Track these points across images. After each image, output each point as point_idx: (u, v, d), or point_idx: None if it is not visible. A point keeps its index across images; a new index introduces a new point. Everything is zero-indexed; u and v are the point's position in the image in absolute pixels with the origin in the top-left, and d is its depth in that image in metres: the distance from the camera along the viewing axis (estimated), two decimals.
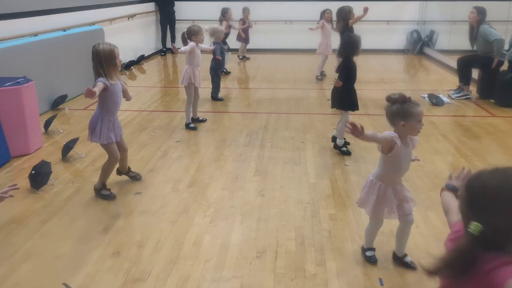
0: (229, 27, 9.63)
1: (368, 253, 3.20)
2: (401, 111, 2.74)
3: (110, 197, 4.09)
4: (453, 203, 1.83)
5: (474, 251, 1.38)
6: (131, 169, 4.50)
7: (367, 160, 4.91)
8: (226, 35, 9.05)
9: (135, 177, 4.47)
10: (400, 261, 3.13)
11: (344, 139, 5.17)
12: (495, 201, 1.37)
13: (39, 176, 4.25)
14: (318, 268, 3.11)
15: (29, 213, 3.85)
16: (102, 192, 4.11)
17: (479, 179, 1.44)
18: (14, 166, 4.78)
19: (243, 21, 10.38)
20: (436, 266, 1.49)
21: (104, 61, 3.76)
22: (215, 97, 7.49)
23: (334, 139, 5.25)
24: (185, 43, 5.95)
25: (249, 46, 11.43)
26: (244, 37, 10.57)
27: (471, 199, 1.44)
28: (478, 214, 1.39)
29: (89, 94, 3.54)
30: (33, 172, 4.25)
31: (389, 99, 2.80)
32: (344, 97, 5.00)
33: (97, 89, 3.67)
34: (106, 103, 3.92)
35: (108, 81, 3.79)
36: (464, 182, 1.52)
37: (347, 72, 4.90)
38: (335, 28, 8.29)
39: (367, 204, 3.04)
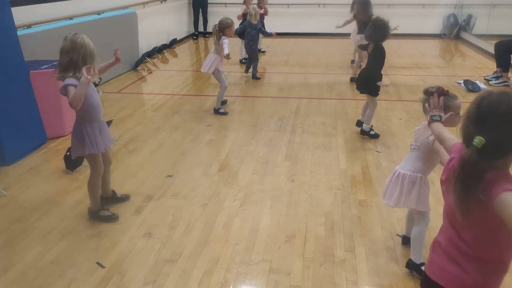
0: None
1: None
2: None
3: (112, 218, 3.54)
4: (444, 131, 2.11)
5: (477, 162, 1.53)
6: (116, 192, 3.84)
7: (399, 146, 4.84)
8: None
9: (123, 199, 3.84)
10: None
11: (371, 126, 5.15)
12: (502, 121, 1.52)
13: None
14: (347, 254, 3.11)
15: (64, 193, 3.95)
16: (101, 214, 3.54)
17: (490, 100, 1.57)
18: (50, 147, 4.90)
19: (260, 7, 9.71)
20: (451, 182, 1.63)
21: (88, 54, 3.23)
22: (255, 75, 7.83)
23: (359, 123, 5.26)
24: (217, 35, 5.89)
25: (282, 30, 11.24)
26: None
27: (481, 116, 1.57)
28: (484, 130, 1.53)
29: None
30: (68, 153, 4.34)
31: (426, 92, 2.64)
32: (375, 83, 4.94)
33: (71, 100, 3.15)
34: (83, 108, 3.27)
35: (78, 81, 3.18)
36: (474, 101, 1.64)
37: (379, 57, 4.89)
38: (358, 17, 7.59)
39: (424, 201, 2.87)
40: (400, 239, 3.26)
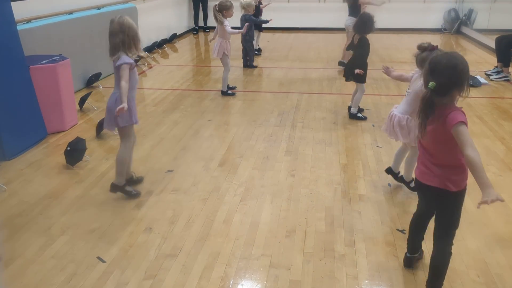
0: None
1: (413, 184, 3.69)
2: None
3: (135, 195, 3.77)
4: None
5: (431, 98, 2.37)
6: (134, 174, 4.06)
7: (399, 142, 4.83)
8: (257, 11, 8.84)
9: (140, 180, 4.04)
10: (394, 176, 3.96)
11: (359, 107, 5.61)
12: (443, 70, 2.33)
13: (74, 153, 4.35)
14: (347, 249, 3.11)
15: (65, 188, 3.96)
16: (127, 189, 3.77)
17: (436, 58, 2.40)
18: (50, 142, 4.90)
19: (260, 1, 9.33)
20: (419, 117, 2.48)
21: (135, 35, 3.53)
22: (252, 65, 8.21)
23: (350, 108, 5.73)
24: (216, 16, 6.36)
25: (282, 25, 11.28)
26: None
27: (431, 69, 2.37)
28: (434, 77, 2.34)
29: (122, 110, 3.37)
30: (68, 148, 4.35)
31: (420, 47, 3.27)
32: (364, 72, 5.43)
33: (125, 82, 3.42)
34: (130, 81, 3.54)
35: (132, 57, 3.52)
36: (427, 61, 2.45)
37: (364, 49, 5.35)
38: (346, 1, 8.07)
39: (411, 137, 3.61)
40: (400, 234, 3.26)
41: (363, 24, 5.28)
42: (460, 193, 2.53)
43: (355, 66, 5.39)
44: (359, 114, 5.55)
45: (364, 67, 5.39)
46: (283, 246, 3.15)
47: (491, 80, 7.29)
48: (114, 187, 3.74)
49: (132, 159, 3.95)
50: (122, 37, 3.46)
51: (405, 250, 3.02)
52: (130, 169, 3.96)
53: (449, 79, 2.33)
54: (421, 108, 2.43)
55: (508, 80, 7.28)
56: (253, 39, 8.13)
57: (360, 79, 5.43)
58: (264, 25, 8.86)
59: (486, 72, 7.52)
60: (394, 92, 6.65)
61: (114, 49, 3.48)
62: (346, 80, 5.67)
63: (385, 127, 3.82)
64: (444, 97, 2.36)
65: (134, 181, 3.98)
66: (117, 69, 3.46)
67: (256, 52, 9.63)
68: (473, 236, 3.25)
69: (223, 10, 6.28)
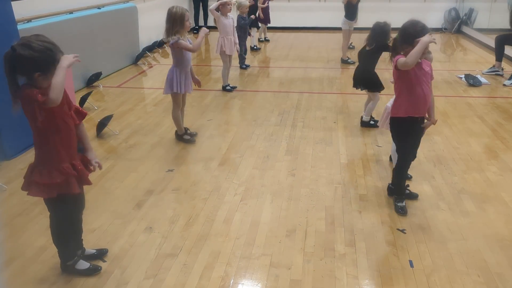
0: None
1: None
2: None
3: (190, 141, 4.84)
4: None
5: (395, 43, 3.47)
6: (188, 128, 5.03)
7: None
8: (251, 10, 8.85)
9: (194, 135, 5.00)
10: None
11: (372, 116, 5.36)
12: (401, 33, 3.41)
13: None
14: (347, 248, 3.11)
15: None
16: (184, 137, 4.87)
17: (403, 27, 3.43)
18: None
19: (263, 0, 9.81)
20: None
21: (177, 22, 4.48)
22: (241, 65, 8.15)
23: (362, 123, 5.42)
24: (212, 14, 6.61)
25: (282, 24, 11.27)
26: (263, 18, 10.04)
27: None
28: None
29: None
30: None
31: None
32: (377, 79, 5.18)
33: (185, 44, 4.55)
34: (181, 58, 4.60)
35: (182, 38, 4.49)
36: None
37: (376, 57, 5.11)
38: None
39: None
40: (400, 233, 3.27)
41: (377, 36, 4.93)
42: (394, 119, 3.48)
43: (364, 74, 5.18)
44: (371, 122, 5.31)
45: (376, 75, 5.16)
46: (284, 245, 3.15)
47: (483, 74, 7.33)
48: (177, 136, 4.90)
49: (183, 119, 4.93)
50: (167, 26, 4.56)
51: (406, 250, 3.03)
52: (182, 125, 4.92)
53: (403, 34, 3.40)
54: (392, 46, 3.48)
55: (501, 75, 7.28)
56: (244, 39, 7.97)
57: (372, 87, 5.17)
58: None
59: (482, 71, 7.53)
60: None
61: (167, 34, 4.57)
62: (356, 88, 5.38)
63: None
64: (401, 45, 3.40)
65: (189, 134, 4.94)
66: (172, 48, 4.58)
67: (255, 46, 9.87)
68: (474, 235, 3.25)
69: (219, 5, 6.48)
